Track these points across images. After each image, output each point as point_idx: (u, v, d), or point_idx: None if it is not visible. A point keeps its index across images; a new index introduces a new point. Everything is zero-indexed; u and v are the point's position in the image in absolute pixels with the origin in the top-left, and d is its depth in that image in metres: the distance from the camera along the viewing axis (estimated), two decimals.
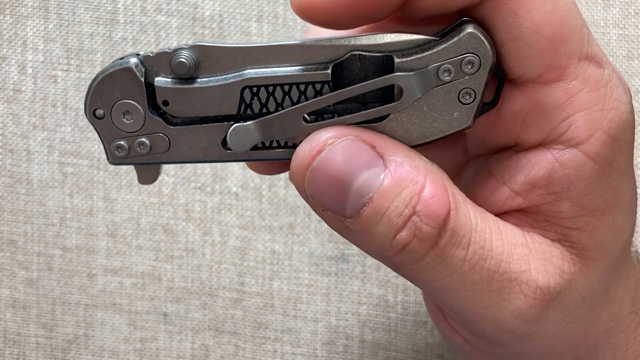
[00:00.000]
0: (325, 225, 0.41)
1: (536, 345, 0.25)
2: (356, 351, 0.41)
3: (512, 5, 0.23)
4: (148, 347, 0.42)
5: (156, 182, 0.42)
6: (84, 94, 0.42)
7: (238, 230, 0.41)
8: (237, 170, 0.41)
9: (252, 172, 0.41)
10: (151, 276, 0.42)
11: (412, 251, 0.22)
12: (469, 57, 0.23)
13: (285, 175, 0.41)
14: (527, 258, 0.24)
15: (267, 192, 0.41)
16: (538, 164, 0.24)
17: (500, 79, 0.24)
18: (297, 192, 0.41)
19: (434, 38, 0.24)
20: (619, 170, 0.24)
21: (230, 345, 0.42)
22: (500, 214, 0.25)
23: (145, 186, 0.42)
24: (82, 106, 0.42)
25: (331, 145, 0.22)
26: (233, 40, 0.42)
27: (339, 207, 0.22)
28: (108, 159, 0.25)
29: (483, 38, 0.23)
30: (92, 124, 0.25)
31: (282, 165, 0.28)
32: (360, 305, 0.41)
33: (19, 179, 0.42)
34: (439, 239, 0.22)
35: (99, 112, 0.25)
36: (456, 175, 0.28)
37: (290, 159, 0.24)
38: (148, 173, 0.26)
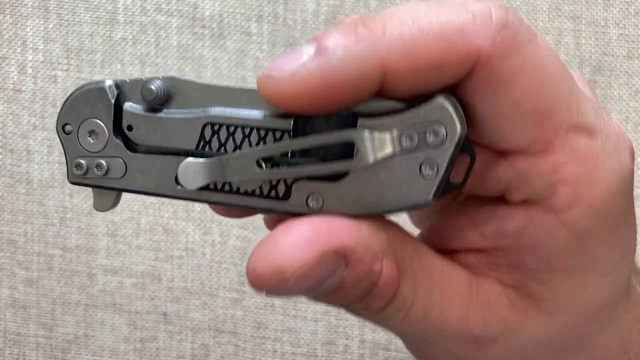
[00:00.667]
0: None
1: None
2: (356, 351, 0.41)
3: (489, 86, 0.22)
4: (148, 347, 0.42)
5: None
6: None
7: (238, 230, 0.41)
8: None
9: None
10: (151, 276, 0.42)
11: (362, 314, 0.24)
12: (434, 127, 0.22)
13: None
14: (466, 312, 0.24)
15: None
16: (512, 218, 0.24)
17: (472, 159, 0.23)
18: None
19: (402, 106, 0.23)
20: (600, 240, 0.24)
21: (230, 345, 0.42)
22: (462, 251, 0.25)
23: None
24: None
25: (295, 276, 0.22)
26: (233, 39, 0.42)
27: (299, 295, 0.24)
28: (67, 176, 0.25)
29: (452, 110, 0.22)
30: (59, 138, 0.25)
31: (240, 210, 0.28)
32: None
33: (19, 179, 0.42)
34: (384, 310, 0.24)
35: (68, 127, 0.25)
36: None
37: (241, 206, 0.24)
38: (104, 199, 0.26)
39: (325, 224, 0.22)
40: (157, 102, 0.24)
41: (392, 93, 0.23)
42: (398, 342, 0.41)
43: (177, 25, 0.42)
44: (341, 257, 0.22)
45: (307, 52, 0.22)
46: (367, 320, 0.25)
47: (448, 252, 0.26)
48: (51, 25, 0.42)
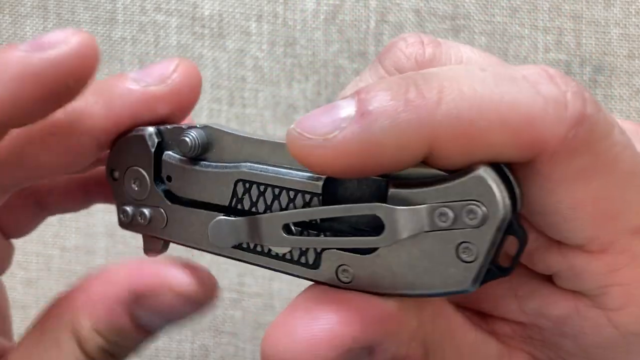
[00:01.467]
0: None
1: None
2: None
3: (550, 181, 0.19)
4: (147, 348, 0.42)
5: None
6: None
7: None
8: None
9: None
10: None
11: None
12: (472, 206, 0.19)
13: None
14: None
15: None
16: (558, 303, 0.22)
17: (521, 242, 0.20)
18: None
19: (442, 173, 0.20)
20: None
21: (230, 345, 0.42)
22: (498, 318, 0.24)
23: None
24: None
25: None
26: (233, 39, 0.42)
27: None
28: (119, 221, 0.25)
29: (494, 187, 0.19)
30: (109, 184, 0.25)
31: None
32: None
33: None
34: None
35: (115, 173, 0.25)
36: None
37: (272, 269, 0.23)
38: (153, 245, 0.26)
39: (352, 312, 0.20)
40: (193, 154, 0.23)
41: (435, 165, 0.20)
42: None
43: (176, 24, 0.42)
44: (367, 349, 0.20)
45: (346, 113, 0.19)
46: None
47: (482, 315, 0.24)
48: (50, 25, 0.42)
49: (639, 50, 0.40)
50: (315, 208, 0.21)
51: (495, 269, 0.20)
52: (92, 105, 0.23)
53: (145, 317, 0.22)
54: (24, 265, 0.42)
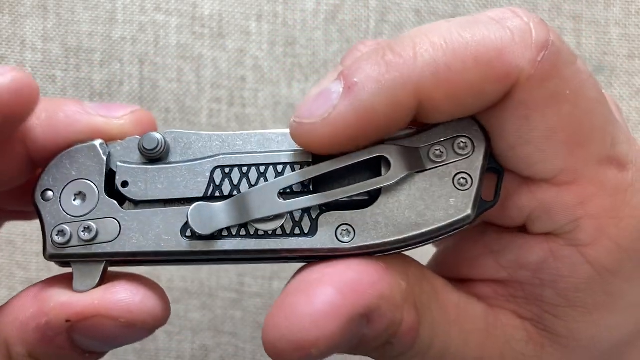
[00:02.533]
0: None
1: None
2: None
3: (525, 109, 0.21)
4: (147, 348, 0.42)
5: None
6: (82, 94, 0.42)
7: None
8: None
9: None
10: (150, 276, 0.42)
11: (383, 357, 0.23)
12: (461, 140, 0.22)
13: None
14: (482, 345, 0.23)
15: None
16: (533, 250, 0.23)
17: (499, 173, 0.22)
18: None
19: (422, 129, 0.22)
20: (623, 277, 0.23)
21: (229, 345, 0.42)
22: (478, 280, 0.25)
23: None
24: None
25: (320, 350, 0.20)
26: (233, 39, 0.42)
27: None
28: (44, 251, 0.23)
29: (474, 121, 0.22)
30: (36, 208, 0.23)
31: None
32: None
33: None
34: (406, 353, 0.23)
35: (49, 193, 0.23)
36: None
37: (259, 252, 0.22)
38: (87, 276, 0.23)
39: (349, 283, 0.21)
40: (157, 154, 0.23)
41: (428, 119, 0.22)
42: None
43: (176, 24, 0.42)
44: (365, 316, 0.21)
45: (335, 91, 0.20)
46: None
47: (462, 281, 0.25)
48: (50, 25, 0.42)
49: (639, 50, 0.40)
50: (314, 166, 0.22)
51: (483, 201, 0.22)
52: (34, 122, 0.23)
53: (84, 342, 0.21)
54: (24, 265, 0.42)
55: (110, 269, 0.24)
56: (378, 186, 0.22)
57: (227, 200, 0.22)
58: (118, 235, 0.23)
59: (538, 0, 0.40)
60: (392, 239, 0.22)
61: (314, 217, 0.22)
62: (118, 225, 0.23)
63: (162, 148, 0.23)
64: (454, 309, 0.23)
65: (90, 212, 0.23)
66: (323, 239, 0.22)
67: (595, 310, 0.23)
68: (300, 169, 0.22)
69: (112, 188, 0.23)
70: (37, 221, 0.41)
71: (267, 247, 0.22)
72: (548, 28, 0.21)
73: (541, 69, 0.21)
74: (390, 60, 0.20)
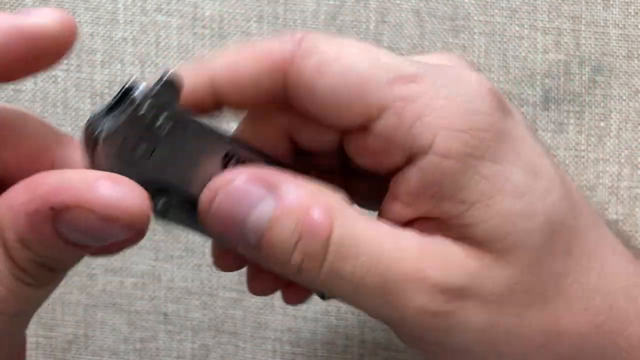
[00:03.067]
0: None
1: (472, 338, 0.25)
2: (356, 351, 0.41)
3: (305, 79, 0.25)
4: (148, 347, 0.42)
5: None
6: (83, 94, 0.42)
7: None
8: None
9: None
10: (151, 276, 0.42)
11: (307, 270, 0.24)
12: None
13: None
14: (420, 260, 0.24)
15: None
16: (409, 178, 0.25)
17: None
18: None
19: None
20: (487, 158, 0.24)
21: (230, 345, 0.42)
22: (403, 224, 0.26)
23: None
24: (82, 106, 0.42)
25: (222, 191, 0.25)
26: (234, 40, 0.42)
27: (243, 243, 0.25)
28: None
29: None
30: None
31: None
32: None
33: None
34: (325, 256, 0.24)
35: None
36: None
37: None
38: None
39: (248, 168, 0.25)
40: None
41: (233, 106, 0.27)
42: (398, 343, 0.41)
43: (177, 25, 0.42)
44: (268, 188, 0.24)
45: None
46: (328, 289, 0.25)
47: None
48: None
49: (638, 51, 0.40)
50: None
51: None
52: None
53: (69, 233, 0.22)
54: None
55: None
56: None
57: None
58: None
59: (537, 1, 0.40)
60: None
61: None
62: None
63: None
64: (386, 228, 0.25)
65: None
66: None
67: (491, 200, 0.24)
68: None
69: None
70: None
71: None
72: (307, 35, 0.26)
73: (301, 52, 0.25)
74: (199, 63, 0.27)
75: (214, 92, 0.26)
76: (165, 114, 0.24)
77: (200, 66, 0.26)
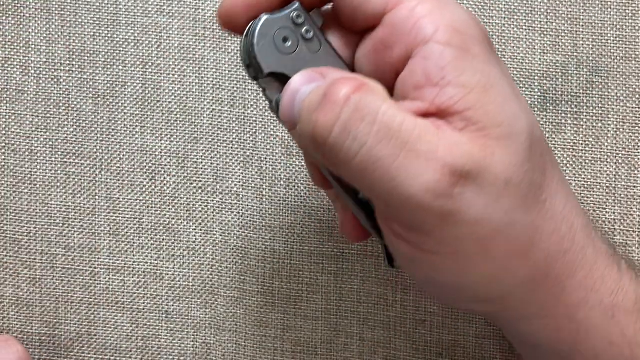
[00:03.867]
0: (325, 225, 0.42)
1: (465, 233, 0.27)
2: (356, 349, 0.41)
3: None
4: (150, 345, 0.42)
5: (157, 183, 0.42)
6: (86, 95, 0.42)
7: (239, 230, 0.42)
8: (238, 170, 0.42)
9: (252, 172, 0.42)
10: (153, 275, 0.42)
11: (322, 126, 0.26)
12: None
13: (285, 175, 0.42)
14: (435, 141, 0.26)
15: (268, 192, 0.42)
16: (414, 70, 0.27)
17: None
18: (297, 192, 0.41)
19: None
20: (479, 58, 0.27)
21: (231, 343, 0.42)
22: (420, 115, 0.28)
23: (146, 186, 0.42)
24: (84, 107, 0.42)
25: (291, 80, 0.28)
26: (234, 41, 0.42)
27: (292, 120, 0.28)
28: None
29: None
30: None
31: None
32: (360, 304, 0.41)
33: (22, 179, 0.42)
34: (340, 113, 0.26)
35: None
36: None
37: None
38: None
39: None
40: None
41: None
42: (397, 341, 0.41)
43: (178, 26, 0.42)
44: (320, 76, 0.28)
45: None
46: (342, 157, 0.26)
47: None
48: (53, 27, 0.42)
49: (635, 52, 0.40)
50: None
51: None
52: None
53: None
54: (29, 263, 0.42)
55: None
56: None
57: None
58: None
59: (535, 3, 0.40)
60: None
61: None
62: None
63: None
64: (410, 114, 0.27)
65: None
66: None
67: (487, 89, 0.27)
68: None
69: None
70: (41, 220, 0.42)
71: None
72: None
73: None
74: None
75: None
76: (310, 25, 0.30)
77: None
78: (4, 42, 0.43)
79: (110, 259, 0.42)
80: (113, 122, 0.42)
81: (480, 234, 0.27)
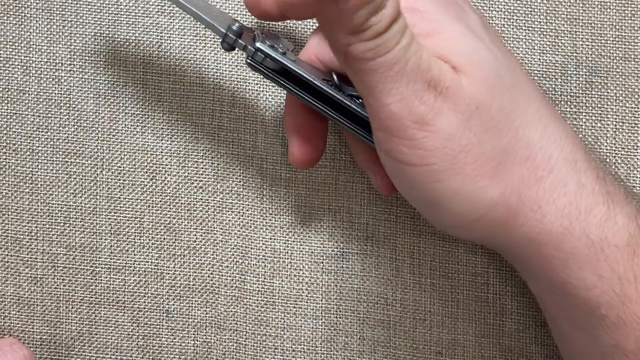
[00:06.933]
0: (325, 225, 0.42)
1: (436, 145, 0.30)
2: (355, 348, 0.41)
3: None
4: (151, 344, 0.42)
5: (158, 182, 0.42)
6: (87, 95, 0.42)
7: (239, 229, 0.42)
8: (239, 170, 0.42)
9: (253, 172, 0.42)
10: (154, 274, 0.42)
11: (373, 28, 0.28)
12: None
13: (286, 175, 0.42)
14: (431, 63, 0.30)
15: (268, 192, 0.42)
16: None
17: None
18: (297, 192, 0.42)
19: None
20: (452, 12, 0.32)
21: (231, 342, 0.42)
22: None
23: (147, 185, 0.42)
24: (85, 106, 0.42)
25: None
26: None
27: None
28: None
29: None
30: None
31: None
32: (360, 303, 0.41)
33: (23, 179, 0.43)
34: (392, 24, 0.28)
35: None
36: None
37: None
38: None
39: None
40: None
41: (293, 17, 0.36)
42: (397, 340, 0.41)
43: (179, 26, 0.42)
44: None
45: None
46: (368, 54, 0.29)
47: None
48: (55, 27, 0.42)
49: (634, 52, 0.40)
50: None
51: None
52: None
53: None
54: (30, 263, 0.42)
55: None
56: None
57: None
58: None
59: (534, 3, 0.41)
60: None
61: None
62: None
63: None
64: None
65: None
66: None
67: (449, 24, 0.31)
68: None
69: None
70: (42, 220, 0.42)
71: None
72: None
73: None
74: None
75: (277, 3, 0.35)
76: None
77: None
78: (5, 42, 0.43)
79: (111, 258, 0.42)
80: (114, 121, 0.42)
81: (450, 149, 0.30)
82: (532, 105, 0.32)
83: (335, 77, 0.35)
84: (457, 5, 0.34)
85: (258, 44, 0.34)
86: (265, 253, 0.42)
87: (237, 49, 0.35)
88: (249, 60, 0.35)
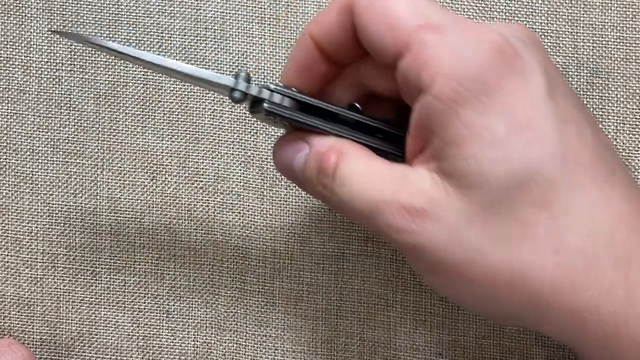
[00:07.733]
0: (326, 225, 0.42)
1: (434, 262, 0.30)
2: (356, 349, 0.41)
3: (357, 12, 0.30)
4: (151, 345, 0.42)
5: (159, 182, 0.42)
6: (88, 95, 0.42)
7: (240, 230, 0.42)
8: (239, 170, 0.42)
9: (253, 172, 0.42)
10: (154, 274, 0.42)
11: (324, 195, 0.32)
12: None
13: None
14: (397, 188, 0.30)
15: (269, 192, 0.42)
16: (414, 114, 0.30)
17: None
18: (297, 192, 0.42)
19: None
20: (469, 106, 0.28)
21: (231, 342, 0.42)
22: (416, 153, 0.31)
23: (147, 185, 0.42)
24: (86, 106, 0.42)
25: (277, 145, 0.34)
26: (235, 41, 0.42)
27: (294, 177, 0.33)
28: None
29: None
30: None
31: None
32: (360, 304, 0.41)
33: (23, 179, 0.43)
34: (333, 185, 0.31)
35: None
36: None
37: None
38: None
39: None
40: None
41: (336, 58, 0.33)
42: (397, 341, 0.41)
43: (179, 27, 0.42)
44: (305, 143, 0.32)
45: None
46: (335, 207, 0.32)
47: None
48: (55, 27, 0.42)
49: (636, 53, 0.40)
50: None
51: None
52: None
53: None
54: (30, 263, 0.43)
55: None
56: None
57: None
58: None
59: (535, 4, 0.41)
60: None
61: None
62: None
63: None
64: (376, 166, 0.31)
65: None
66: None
67: (465, 144, 0.28)
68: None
69: None
70: (42, 220, 0.42)
71: None
72: None
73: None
74: None
75: (319, 50, 0.32)
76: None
77: (302, 36, 0.33)
78: (5, 42, 0.43)
79: (111, 259, 0.42)
80: (114, 121, 0.42)
81: (451, 262, 0.29)
82: (576, 207, 0.30)
83: (358, 105, 0.34)
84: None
85: (273, 86, 0.32)
86: (266, 254, 0.42)
87: (248, 96, 0.32)
88: (266, 106, 0.32)
